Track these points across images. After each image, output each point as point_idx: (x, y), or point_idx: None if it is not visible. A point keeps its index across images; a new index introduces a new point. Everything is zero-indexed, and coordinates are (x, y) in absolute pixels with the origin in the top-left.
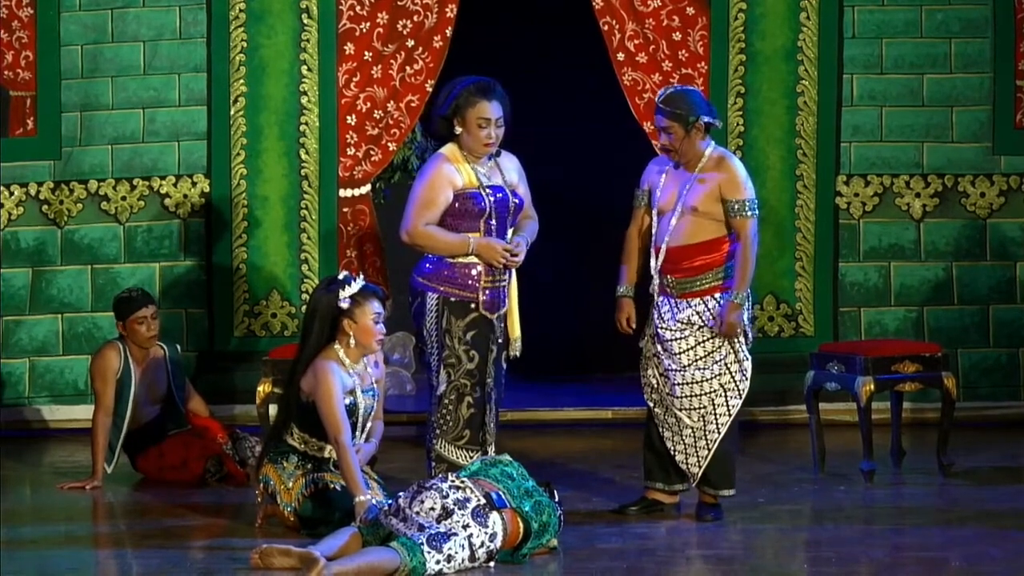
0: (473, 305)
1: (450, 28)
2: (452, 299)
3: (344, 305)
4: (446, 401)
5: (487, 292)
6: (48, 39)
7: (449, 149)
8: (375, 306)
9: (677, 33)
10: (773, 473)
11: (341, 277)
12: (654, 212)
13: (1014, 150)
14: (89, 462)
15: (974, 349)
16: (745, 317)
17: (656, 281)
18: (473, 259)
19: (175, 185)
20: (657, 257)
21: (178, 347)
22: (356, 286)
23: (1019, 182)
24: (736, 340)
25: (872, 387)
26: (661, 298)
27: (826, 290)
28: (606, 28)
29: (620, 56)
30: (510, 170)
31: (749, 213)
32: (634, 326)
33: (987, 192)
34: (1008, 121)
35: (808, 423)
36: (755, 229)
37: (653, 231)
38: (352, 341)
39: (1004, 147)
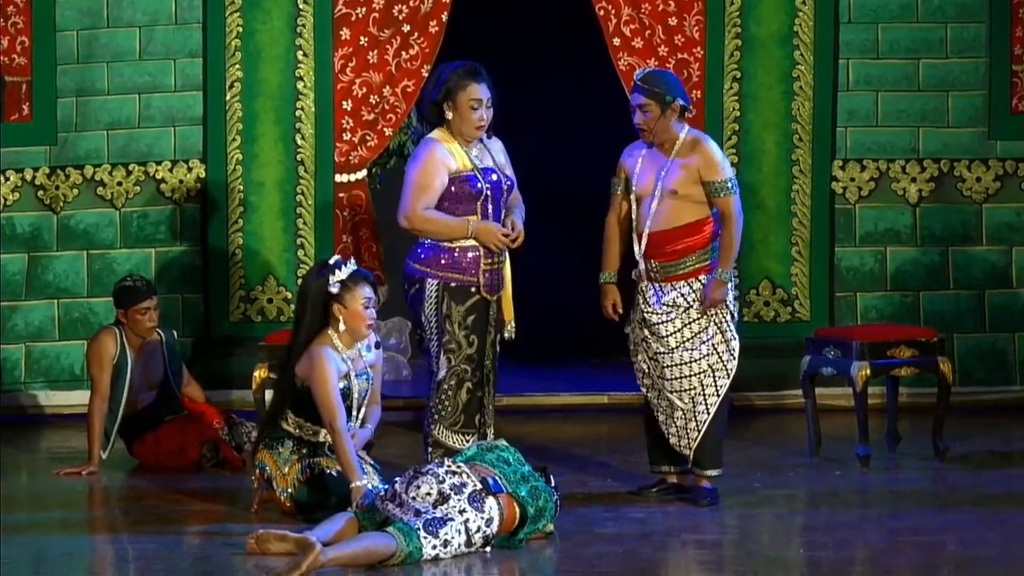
0: (474, 289)
1: (446, 13)
2: (452, 284)
3: (334, 290)
4: (445, 387)
5: (487, 275)
6: (44, 24)
7: (440, 133)
8: (365, 291)
9: (673, 18)
10: (769, 458)
11: (332, 262)
12: (632, 197)
13: (1010, 135)
14: (85, 448)
15: (970, 334)
16: (730, 296)
17: (641, 266)
18: (471, 242)
19: (171, 170)
20: (640, 243)
21: (174, 333)
22: (346, 271)
23: (1015, 167)
24: (723, 320)
25: (868, 372)
26: (646, 283)
27: (822, 275)
28: (602, 13)
29: (616, 41)
30: (498, 152)
31: (731, 191)
32: (620, 311)
33: (983, 177)
34: (1004, 106)
35: (804, 408)
36: (739, 206)
37: (633, 216)
38: (343, 326)
39: (1000, 132)
